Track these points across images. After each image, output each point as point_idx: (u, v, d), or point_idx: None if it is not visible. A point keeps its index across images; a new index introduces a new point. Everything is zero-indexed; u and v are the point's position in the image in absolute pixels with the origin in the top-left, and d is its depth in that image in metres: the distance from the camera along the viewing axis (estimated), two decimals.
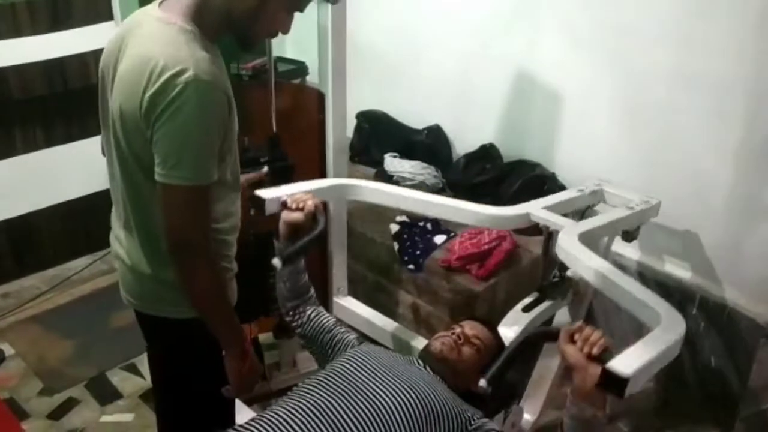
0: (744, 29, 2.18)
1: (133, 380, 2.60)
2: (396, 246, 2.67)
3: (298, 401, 1.49)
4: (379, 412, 1.45)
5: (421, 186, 3.01)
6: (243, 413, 1.88)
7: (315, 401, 1.48)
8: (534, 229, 2.42)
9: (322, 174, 2.33)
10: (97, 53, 1.45)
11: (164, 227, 1.34)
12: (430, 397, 1.51)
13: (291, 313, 1.78)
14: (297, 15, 1.41)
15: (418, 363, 1.69)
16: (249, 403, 2.16)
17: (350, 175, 2.34)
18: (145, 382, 2.55)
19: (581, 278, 1.98)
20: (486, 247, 2.50)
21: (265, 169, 1.91)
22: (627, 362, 1.22)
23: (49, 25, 2.91)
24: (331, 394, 1.50)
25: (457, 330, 1.74)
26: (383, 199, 2.04)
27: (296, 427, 1.41)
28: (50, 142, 3.09)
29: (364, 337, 1.83)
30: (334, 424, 1.43)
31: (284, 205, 1.69)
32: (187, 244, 1.34)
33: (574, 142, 2.76)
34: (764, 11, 2.13)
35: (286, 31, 1.40)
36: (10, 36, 2.81)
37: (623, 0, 2.46)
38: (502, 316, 2.08)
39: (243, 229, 1.57)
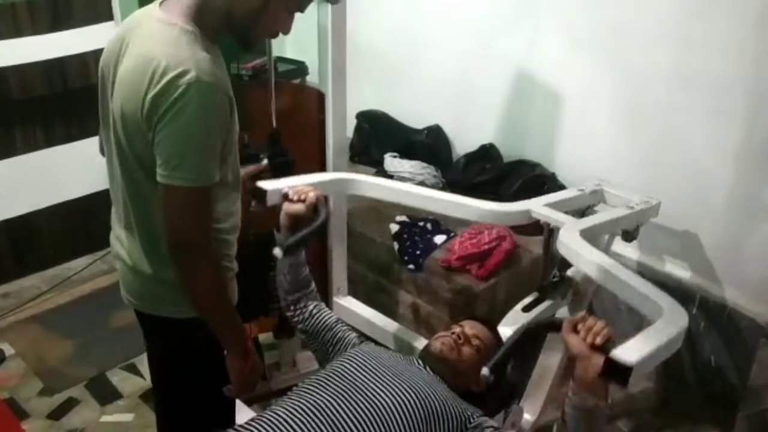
0: (744, 29, 2.18)
1: (133, 380, 2.60)
2: (396, 246, 2.67)
3: (298, 401, 1.49)
4: (378, 412, 1.45)
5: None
6: (243, 413, 1.88)
7: (315, 401, 1.48)
8: (534, 228, 2.42)
9: None
10: (97, 53, 1.45)
11: (165, 228, 1.34)
12: (430, 397, 1.51)
13: (292, 307, 1.77)
14: (297, 15, 1.41)
15: (418, 363, 1.69)
16: (249, 403, 2.16)
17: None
18: (145, 382, 2.55)
19: (582, 276, 1.99)
20: (486, 247, 2.50)
21: (265, 161, 1.89)
22: (630, 351, 1.23)
23: (50, 25, 2.91)
24: (331, 394, 1.50)
25: (457, 330, 1.74)
26: (384, 194, 2.04)
27: (296, 427, 1.41)
28: (50, 142, 3.09)
29: (364, 337, 1.83)
30: (334, 424, 1.43)
31: (286, 197, 1.70)
32: (188, 245, 1.34)
33: (574, 142, 2.76)
34: (764, 11, 2.13)
35: (286, 31, 1.40)
36: (10, 36, 2.81)
37: (623, 0, 2.46)
38: (502, 316, 2.08)
39: (243, 229, 1.57)
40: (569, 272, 2.00)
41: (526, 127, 2.92)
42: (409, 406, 1.48)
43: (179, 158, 1.27)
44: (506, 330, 2.06)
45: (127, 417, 2.44)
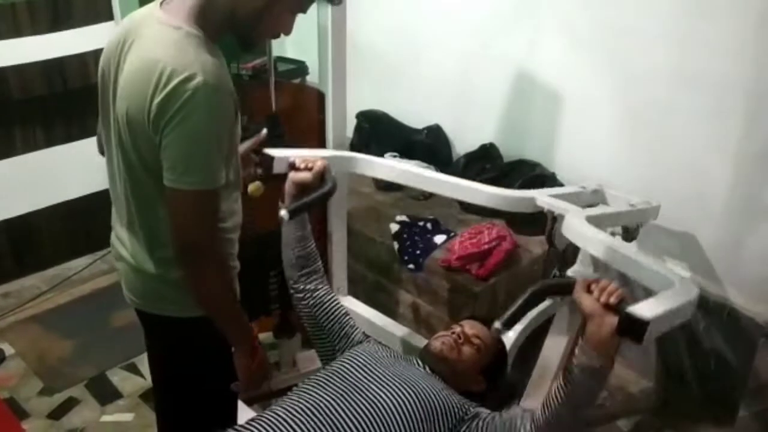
0: (744, 29, 2.18)
1: (133, 380, 2.60)
2: (396, 245, 2.67)
3: (298, 401, 1.49)
4: (378, 413, 1.46)
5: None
6: (243, 413, 1.88)
7: (315, 401, 1.48)
8: (534, 228, 2.43)
9: None
10: (97, 53, 1.44)
11: (172, 231, 1.34)
12: (430, 396, 1.52)
13: (301, 287, 1.76)
14: (298, 15, 1.41)
15: (418, 363, 1.69)
16: (249, 403, 2.16)
17: (350, 175, 2.35)
18: (145, 381, 2.55)
19: (582, 275, 1.99)
20: (486, 246, 2.50)
21: (264, 131, 1.88)
22: (646, 309, 1.24)
23: (49, 25, 2.91)
24: (331, 395, 1.50)
25: (457, 329, 1.74)
26: (388, 174, 2.07)
27: (296, 427, 1.41)
28: (50, 142, 3.09)
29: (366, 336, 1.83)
30: (334, 424, 1.43)
31: (292, 166, 1.70)
32: (196, 248, 1.34)
33: (574, 142, 2.76)
34: (764, 11, 2.13)
35: (288, 32, 1.40)
36: (10, 36, 2.80)
37: (623, 0, 2.46)
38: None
39: (243, 229, 1.57)
40: (569, 272, 2.00)
41: (526, 127, 2.92)
42: (408, 406, 1.48)
43: (187, 162, 1.27)
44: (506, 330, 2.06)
45: (127, 417, 2.44)
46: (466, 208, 2.89)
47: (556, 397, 1.35)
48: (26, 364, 2.67)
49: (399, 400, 1.48)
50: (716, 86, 2.28)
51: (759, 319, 2.31)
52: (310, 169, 1.69)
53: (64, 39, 2.95)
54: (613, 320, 1.25)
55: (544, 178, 2.76)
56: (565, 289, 1.42)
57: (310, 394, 1.51)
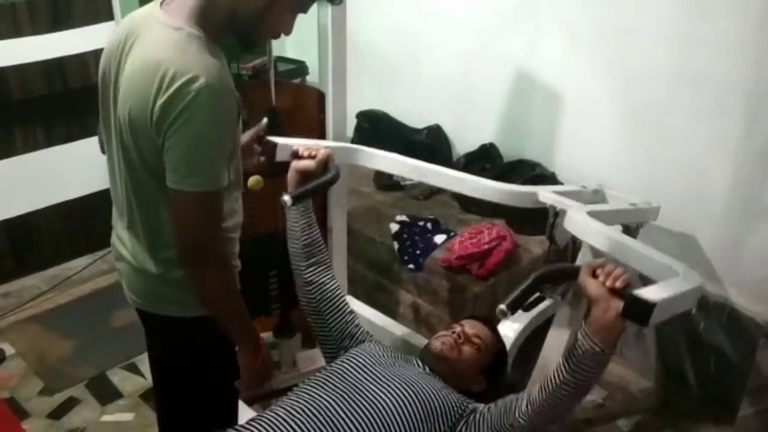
0: (744, 29, 2.18)
1: (134, 380, 2.60)
2: (396, 245, 2.67)
3: (298, 401, 1.49)
4: (378, 413, 1.46)
5: (420, 185, 3.02)
6: (244, 413, 1.88)
7: (315, 402, 1.48)
8: (534, 228, 2.43)
9: None
10: (97, 53, 1.44)
11: (176, 232, 1.34)
12: (430, 395, 1.52)
13: (309, 279, 1.75)
14: (298, 15, 1.41)
15: (418, 363, 1.69)
16: (250, 402, 2.16)
17: (350, 175, 2.36)
18: (146, 381, 2.55)
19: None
20: (486, 246, 2.50)
21: (265, 120, 1.87)
22: (651, 293, 1.24)
23: (50, 25, 2.91)
24: (331, 395, 1.50)
25: (458, 329, 1.74)
26: (388, 166, 2.09)
27: (296, 428, 1.41)
28: (50, 142, 3.09)
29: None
30: (334, 424, 1.43)
31: (295, 154, 1.71)
32: (199, 249, 1.34)
33: (574, 142, 2.76)
34: (764, 11, 2.13)
35: (288, 32, 1.40)
36: (10, 36, 2.80)
37: (623, 0, 2.46)
38: None
39: (243, 229, 1.57)
40: None
41: (526, 127, 2.92)
42: (408, 406, 1.48)
43: (190, 164, 1.27)
44: (506, 330, 2.06)
45: (128, 416, 2.44)
46: (467, 208, 2.89)
47: (555, 378, 1.34)
48: (26, 364, 2.67)
49: (399, 400, 1.49)
50: (716, 86, 2.28)
51: (759, 318, 2.31)
52: (313, 157, 1.70)
53: (64, 39, 2.95)
54: (618, 304, 1.25)
55: (544, 178, 2.76)
56: (571, 273, 1.41)
57: (310, 395, 1.51)
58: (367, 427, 1.43)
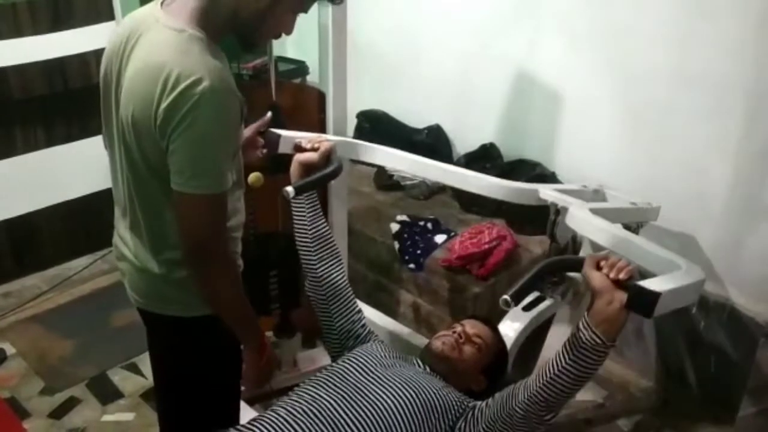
0: (744, 29, 2.18)
1: (134, 379, 2.60)
2: (396, 245, 2.67)
3: (299, 401, 1.50)
4: (379, 413, 1.46)
5: (421, 185, 3.02)
6: (245, 413, 1.88)
7: (316, 402, 1.48)
8: (535, 228, 2.42)
9: None
10: (98, 53, 1.44)
11: (180, 233, 1.34)
12: (430, 395, 1.52)
13: (320, 272, 1.76)
14: (299, 15, 1.41)
15: (418, 363, 1.69)
16: (251, 403, 2.16)
17: (350, 175, 2.36)
18: (146, 381, 2.55)
19: (581, 279, 1.99)
20: (486, 246, 2.50)
21: (269, 114, 1.87)
22: (656, 285, 1.25)
23: (50, 25, 2.91)
24: (332, 395, 1.50)
25: (458, 329, 1.75)
26: (389, 161, 2.10)
27: (297, 428, 1.42)
28: (50, 141, 3.09)
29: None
30: (335, 424, 1.43)
31: (298, 147, 1.71)
32: (204, 250, 1.34)
33: (574, 142, 2.76)
34: (764, 11, 2.13)
35: (289, 32, 1.40)
36: (10, 36, 2.80)
37: (623, 0, 2.47)
38: (502, 316, 2.08)
39: (244, 229, 1.57)
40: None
41: (526, 127, 2.92)
42: (409, 407, 1.48)
43: (194, 167, 1.26)
44: (507, 329, 2.06)
45: (128, 416, 2.44)
46: (467, 208, 2.89)
47: (554, 367, 1.35)
48: (27, 364, 2.68)
49: (399, 400, 1.49)
50: (716, 86, 2.28)
51: (759, 318, 2.31)
52: (315, 150, 1.70)
53: (64, 39, 2.95)
54: (622, 296, 1.26)
55: (545, 178, 2.76)
56: (575, 265, 1.42)
57: (311, 395, 1.51)
58: (368, 427, 1.44)
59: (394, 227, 2.74)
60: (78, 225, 3.27)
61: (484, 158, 2.96)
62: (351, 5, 2.08)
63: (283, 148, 1.75)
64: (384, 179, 3.09)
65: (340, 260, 1.81)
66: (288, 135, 1.77)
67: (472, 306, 2.43)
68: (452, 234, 2.67)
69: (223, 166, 1.30)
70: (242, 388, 1.64)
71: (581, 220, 1.74)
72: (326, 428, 1.42)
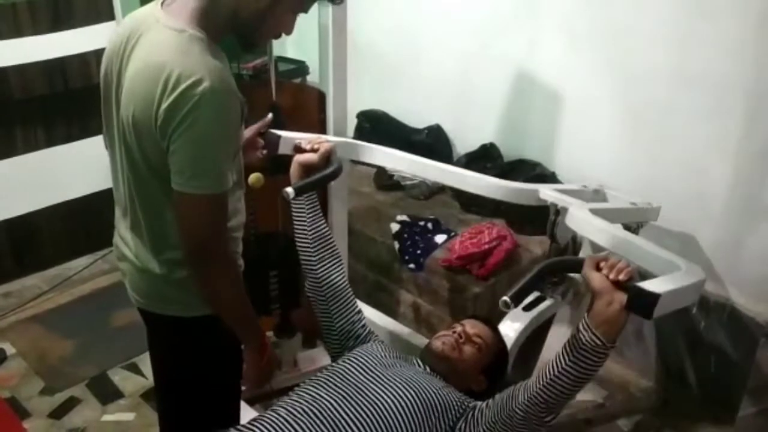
0: (744, 29, 2.18)
1: (134, 379, 2.60)
2: (396, 245, 2.67)
3: (299, 401, 1.50)
4: (379, 413, 1.46)
5: (421, 185, 3.02)
6: (245, 413, 1.88)
7: (316, 402, 1.48)
8: (535, 228, 2.42)
9: None
10: (99, 53, 1.44)
11: (181, 234, 1.34)
12: (430, 395, 1.52)
13: (319, 272, 1.76)
14: (299, 15, 1.41)
15: (419, 363, 1.69)
16: (251, 402, 2.16)
17: (350, 175, 2.36)
18: (147, 381, 2.55)
19: (581, 279, 1.99)
20: (486, 246, 2.50)
21: (270, 115, 1.87)
22: (656, 285, 1.25)
23: (50, 25, 2.91)
24: (332, 395, 1.50)
25: (458, 329, 1.75)
26: (388, 161, 2.11)
27: (297, 428, 1.42)
28: (51, 141, 3.09)
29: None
30: (336, 424, 1.43)
31: (298, 148, 1.71)
32: (205, 251, 1.34)
33: (574, 142, 2.77)
34: (764, 11, 2.13)
35: (289, 32, 1.40)
36: (11, 36, 2.80)
37: (623, 0, 2.47)
38: (502, 316, 2.08)
39: (244, 229, 1.57)
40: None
41: (526, 126, 2.93)
42: (409, 407, 1.48)
43: (195, 167, 1.27)
44: (507, 329, 2.06)
45: (129, 416, 2.44)
46: (467, 208, 2.90)
47: (554, 368, 1.34)
48: (27, 364, 2.68)
49: (399, 400, 1.49)
50: (716, 86, 2.28)
51: (759, 318, 2.31)
52: (315, 151, 1.70)
53: (65, 39, 2.95)
54: (622, 297, 1.25)
55: (545, 178, 2.76)
56: (575, 266, 1.41)
57: (312, 395, 1.51)
58: (368, 427, 1.44)
59: (394, 227, 2.74)
60: (78, 225, 3.27)
61: (484, 158, 2.96)
62: (351, 5, 2.08)
63: (283, 149, 1.76)
64: (384, 179, 3.09)
65: (340, 261, 1.81)
66: (288, 136, 1.77)
67: (472, 306, 2.43)
68: (452, 234, 2.68)
69: (223, 166, 1.30)
70: (242, 388, 1.64)
71: (581, 221, 1.74)
72: (326, 428, 1.42)
